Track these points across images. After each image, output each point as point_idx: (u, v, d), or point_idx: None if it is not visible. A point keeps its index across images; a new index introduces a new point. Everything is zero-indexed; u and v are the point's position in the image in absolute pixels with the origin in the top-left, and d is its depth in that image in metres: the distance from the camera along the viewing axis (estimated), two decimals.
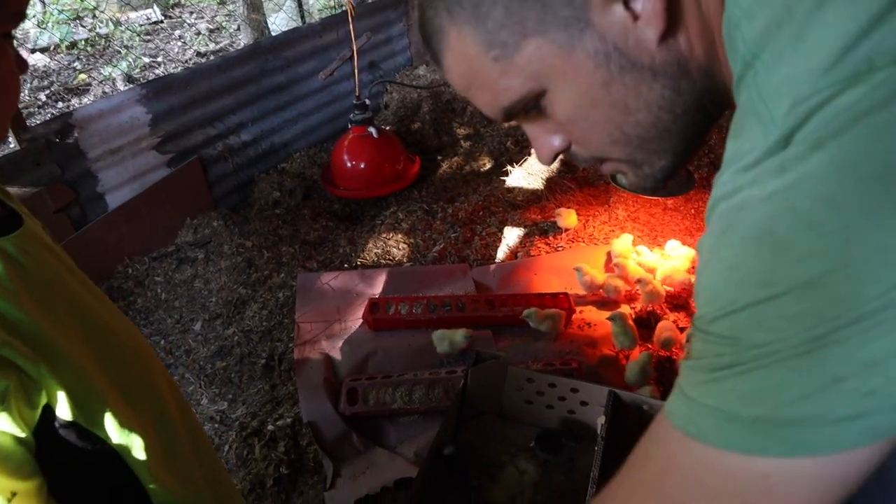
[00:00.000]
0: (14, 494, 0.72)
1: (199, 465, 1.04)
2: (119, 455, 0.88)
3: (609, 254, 2.56)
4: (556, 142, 0.62)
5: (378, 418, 1.99)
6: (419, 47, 4.49)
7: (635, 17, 0.50)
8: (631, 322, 2.15)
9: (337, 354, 2.23)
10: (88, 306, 0.87)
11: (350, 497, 1.75)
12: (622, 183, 2.29)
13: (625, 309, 2.27)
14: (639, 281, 2.28)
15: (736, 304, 0.41)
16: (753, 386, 0.40)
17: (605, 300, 2.35)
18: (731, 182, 0.42)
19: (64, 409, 0.78)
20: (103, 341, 0.87)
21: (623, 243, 2.52)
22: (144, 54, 6.00)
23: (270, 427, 2.00)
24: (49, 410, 0.79)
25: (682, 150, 0.58)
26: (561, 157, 0.64)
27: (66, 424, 0.80)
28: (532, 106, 0.58)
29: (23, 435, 0.74)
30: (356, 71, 3.09)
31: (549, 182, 3.19)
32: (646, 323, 2.26)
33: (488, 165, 3.48)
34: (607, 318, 2.14)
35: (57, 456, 0.82)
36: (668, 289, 2.34)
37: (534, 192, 3.12)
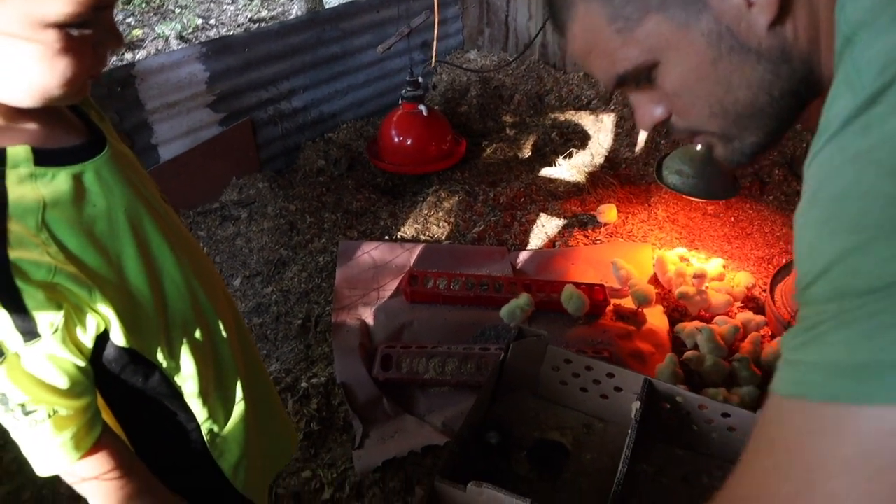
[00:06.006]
0: (55, 412, 0.76)
1: (252, 399, 1.07)
2: (170, 386, 0.92)
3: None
4: (658, 111, 0.67)
5: (409, 386, 2.04)
6: (472, 31, 4.51)
7: (750, 4, 0.54)
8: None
9: (373, 321, 2.28)
10: (158, 235, 0.87)
11: (377, 458, 1.81)
12: (670, 182, 2.32)
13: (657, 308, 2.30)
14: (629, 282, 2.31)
15: (831, 257, 0.43)
16: (853, 333, 0.41)
17: None
18: (819, 148, 0.46)
19: (118, 335, 0.81)
20: (167, 271, 0.88)
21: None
22: (197, 15, 6.08)
23: (304, 384, 2.06)
24: (105, 339, 0.82)
25: (773, 130, 0.63)
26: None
27: (121, 350, 0.83)
28: (644, 77, 0.63)
29: (79, 362, 0.77)
30: (436, 39, 3.13)
31: (592, 176, 3.20)
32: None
33: (531, 154, 3.50)
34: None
35: (111, 384, 0.87)
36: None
37: (575, 185, 3.14)
